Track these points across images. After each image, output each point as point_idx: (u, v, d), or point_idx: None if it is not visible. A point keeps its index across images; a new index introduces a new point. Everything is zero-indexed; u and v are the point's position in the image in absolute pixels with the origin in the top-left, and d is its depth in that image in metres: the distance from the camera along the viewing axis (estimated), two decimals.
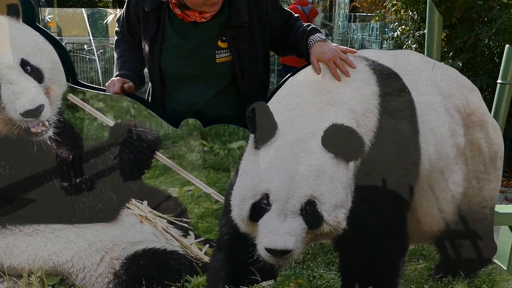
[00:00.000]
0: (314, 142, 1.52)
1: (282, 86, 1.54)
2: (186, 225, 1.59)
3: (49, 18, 7.28)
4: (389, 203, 1.62)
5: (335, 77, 1.51)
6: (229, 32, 1.59)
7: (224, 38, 1.60)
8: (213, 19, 1.59)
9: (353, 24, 10.29)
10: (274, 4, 1.67)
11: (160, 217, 1.58)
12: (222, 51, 1.61)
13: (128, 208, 1.57)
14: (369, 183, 1.58)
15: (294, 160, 1.52)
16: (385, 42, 5.37)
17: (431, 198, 1.63)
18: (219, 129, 1.54)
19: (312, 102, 1.52)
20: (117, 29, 1.79)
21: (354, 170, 1.56)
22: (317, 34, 1.59)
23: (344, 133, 1.51)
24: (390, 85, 1.52)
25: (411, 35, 4.45)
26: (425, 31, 1.56)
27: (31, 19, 1.49)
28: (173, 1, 1.55)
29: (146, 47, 1.64)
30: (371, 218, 1.61)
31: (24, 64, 1.46)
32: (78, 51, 6.86)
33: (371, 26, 9.11)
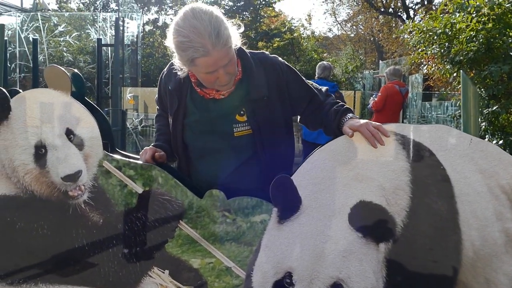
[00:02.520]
0: (340, 220, 1.44)
1: (307, 160, 1.51)
2: None
3: (129, 96, 8.07)
4: None
5: (370, 143, 1.46)
6: (248, 105, 1.63)
7: (242, 112, 1.64)
8: (231, 95, 1.65)
9: (427, 103, 10.09)
10: (295, 82, 1.70)
11: None
12: (240, 125, 1.65)
13: (150, 276, 1.57)
14: (403, 268, 1.44)
15: (319, 238, 1.44)
16: (454, 120, 5.16)
17: None
18: (242, 201, 1.53)
19: (338, 177, 1.46)
20: (157, 106, 1.93)
21: (385, 253, 1.44)
22: (350, 114, 1.59)
23: (373, 211, 1.42)
24: (422, 161, 1.43)
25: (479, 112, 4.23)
26: (460, 105, 1.47)
27: (81, 94, 1.66)
28: (193, 80, 1.66)
29: (170, 122, 1.73)
30: None
31: (68, 132, 1.60)
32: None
33: (446, 104, 8.85)
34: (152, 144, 1.76)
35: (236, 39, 1.54)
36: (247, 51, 1.68)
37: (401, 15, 17.29)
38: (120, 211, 1.58)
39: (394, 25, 17.60)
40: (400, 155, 1.44)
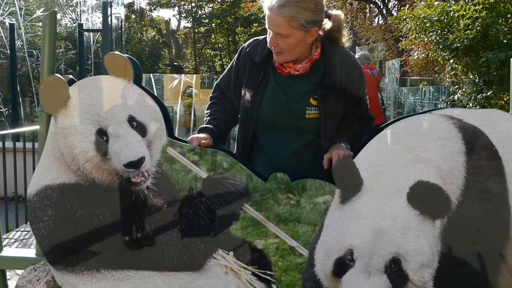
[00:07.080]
0: (399, 199, 1.53)
1: (369, 143, 1.59)
2: (269, 278, 1.61)
3: None
4: (478, 266, 1.57)
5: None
6: (320, 91, 1.72)
7: (316, 96, 1.73)
8: (308, 76, 1.74)
9: (404, 88, 10.38)
10: (358, 83, 1.79)
11: (245, 268, 1.61)
12: (312, 108, 1.73)
13: (214, 258, 1.62)
14: (457, 243, 1.55)
15: (379, 216, 1.53)
16: (442, 104, 5.37)
17: None
18: (306, 183, 1.60)
19: (397, 159, 1.56)
20: (212, 94, 1.95)
21: (440, 229, 1.55)
22: (344, 143, 1.76)
23: (430, 190, 1.52)
24: (476, 143, 1.54)
25: (473, 97, 4.45)
26: (510, 91, 1.58)
27: (138, 80, 1.67)
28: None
29: (247, 95, 1.78)
30: (458, 281, 1.56)
31: (131, 119, 1.60)
32: None
33: (423, 90, 9.13)
34: (201, 126, 1.81)
35: (311, 23, 1.62)
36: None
37: (377, 1, 17.56)
38: (185, 195, 1.62)
39: (368, 11, 17.85)
40: (456, 138, 1.55)
